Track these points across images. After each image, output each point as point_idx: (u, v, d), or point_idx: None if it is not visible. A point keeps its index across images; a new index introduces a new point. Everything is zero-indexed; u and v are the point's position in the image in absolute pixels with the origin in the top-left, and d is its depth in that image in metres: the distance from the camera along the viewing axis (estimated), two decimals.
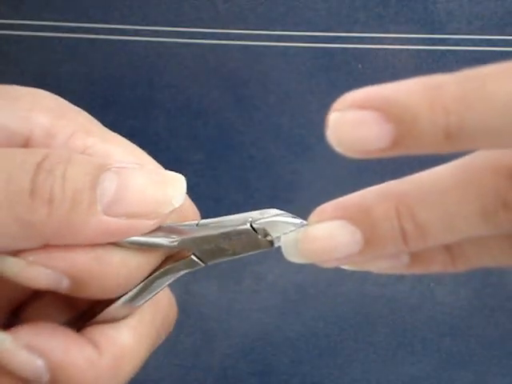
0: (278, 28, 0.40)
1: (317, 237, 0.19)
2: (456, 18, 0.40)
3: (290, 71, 0.41)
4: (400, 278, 0.42)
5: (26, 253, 0.17)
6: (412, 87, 0.16)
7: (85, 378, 0.18)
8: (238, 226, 0.21)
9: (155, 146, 0.41)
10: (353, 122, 0.16)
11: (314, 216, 0.19)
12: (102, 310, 0.20)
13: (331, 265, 0.19)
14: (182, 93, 0.41)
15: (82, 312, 0.21)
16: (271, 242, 0.21)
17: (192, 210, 0.21)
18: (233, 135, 0.42)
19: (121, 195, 0.18)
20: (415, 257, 0.20)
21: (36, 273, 0.17)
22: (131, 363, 0.19)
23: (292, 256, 0.20)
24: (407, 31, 0.39)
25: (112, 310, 0.20)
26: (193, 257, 0.21)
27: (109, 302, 0.20)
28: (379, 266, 0.19)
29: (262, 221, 0.21)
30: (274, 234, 0.21)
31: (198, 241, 0.21)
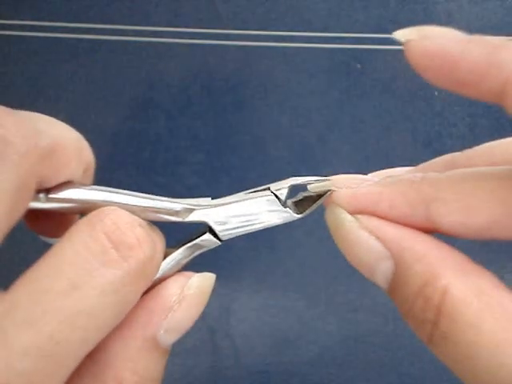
0: (278, 28, 0.40)
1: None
2: (456, 18, 0.40)
3: (290, 71, 0.41)
4: None
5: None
6: None
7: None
8: (259, 193, 0.20)
9: (155, 146, 0.41)
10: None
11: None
12: None
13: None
14: (182, 93, 0.41)
15: None
16: (296, 209, 0.21)
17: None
18: (233, 135, 0.42)
19: None
20: None
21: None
22: None
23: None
24: None
25: None
26: (207, 234, 0.20)
27: None
28: None
29: (281, 185, 0.20)
30: (293, 200, 0.20)
31: (211, 212, 0.20)
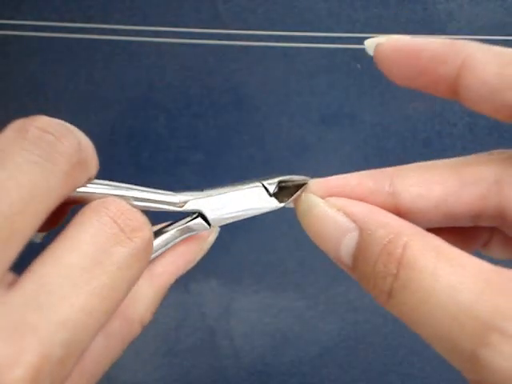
0: (278, 28, 0.40)
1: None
2: (456, 18, 0.40)
3: (290, 71, 0.41)
4: None
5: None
6: None
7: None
8: (249, 184, 0.23)
9: (155, 146, 0.41)
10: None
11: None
12: None
13: None
14: (182, 93, 0.41)
15: None
16: (280, 197, 0.23)
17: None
18: (233, 135, 0.42)
19: None
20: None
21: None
22: None
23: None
24: (407, 31, 0.39)
25: None
26: (198, 218, 0.23)
27: None
28: None
29: (270, 181, 0.23)
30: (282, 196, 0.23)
31: (205, 201, 0.23)
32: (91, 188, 0.20)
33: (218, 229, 0.25)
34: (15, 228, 0.17)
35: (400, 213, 0.20)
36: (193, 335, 0.43)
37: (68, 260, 0.18)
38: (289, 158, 0.42)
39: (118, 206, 0.19)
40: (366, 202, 0.21)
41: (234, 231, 0.42)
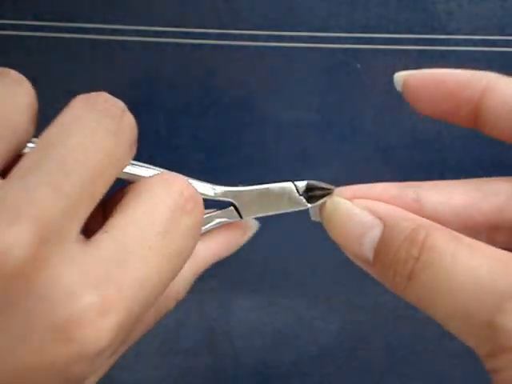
0: (278, 28, 0.40)
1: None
2: (456, 18, 0.40)
3: (290, 71, 0.41)
4: None
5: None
6: None
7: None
8: (280, 183, 0.24)
9: (155, 145, 0.41)
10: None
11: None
12: None
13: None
14: (182, 93, 0.41)
15: None
16: (308, 201, 0.24)
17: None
18: (233, 135, 0.42)
19: None
20: None
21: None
22: None
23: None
24: (407, 31, 0.39)
25: None
26: (231, 207, 0.24)
27: None
28: None
29: (300, 182, 0.24)
30: (310, 195, 0.24)
31: (238, 193, 0.25)
32: (135, 168, 0.22)
33: (258, 223, 0.27)
34: (94, 189, 0.18)
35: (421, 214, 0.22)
36: (193, 335, 0.43)
37: (145, 224, 0.19)
38: (289, 158, 0.42)
39: (182, 180, 0.21)
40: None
41: None
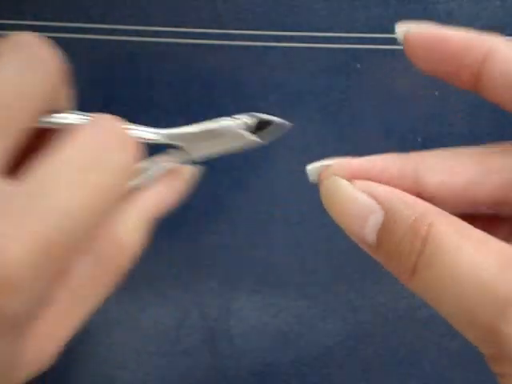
0: (278, 28, 0.40)
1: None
2: (456, 18, 0.40)
3: (290, 71, 0.41)
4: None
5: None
6: None
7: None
8: (226, 119, 0.23)
9: (155, 145, 0.41)
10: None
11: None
12: None
13: None
14: (182, 93, 0.41)
15: None
16: (257, 138, 0.24)
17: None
18: None
19: None
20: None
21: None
22: None
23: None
24: None
25: None
26: (177, 150, 0.24)
27: None
28: None
29: (247, 118, 0.23)
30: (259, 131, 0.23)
31: (184, 135, 0.24)
32: (70, 117, 0.21)
33: (200, 166, 0.25)
34: (11, 118, 0.18)
35: (423, 199, 0.21)
36: (193, 335, 0.43)
37: (71, 156, 0.18)
38: (289, 158, 0.42)
39: (111, 120, 0.21)
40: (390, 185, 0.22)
41: (234, 231, 0.42)
